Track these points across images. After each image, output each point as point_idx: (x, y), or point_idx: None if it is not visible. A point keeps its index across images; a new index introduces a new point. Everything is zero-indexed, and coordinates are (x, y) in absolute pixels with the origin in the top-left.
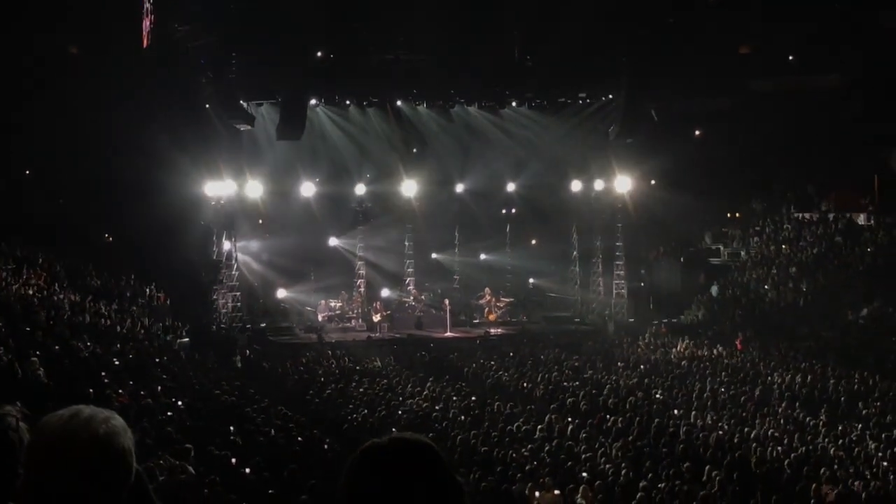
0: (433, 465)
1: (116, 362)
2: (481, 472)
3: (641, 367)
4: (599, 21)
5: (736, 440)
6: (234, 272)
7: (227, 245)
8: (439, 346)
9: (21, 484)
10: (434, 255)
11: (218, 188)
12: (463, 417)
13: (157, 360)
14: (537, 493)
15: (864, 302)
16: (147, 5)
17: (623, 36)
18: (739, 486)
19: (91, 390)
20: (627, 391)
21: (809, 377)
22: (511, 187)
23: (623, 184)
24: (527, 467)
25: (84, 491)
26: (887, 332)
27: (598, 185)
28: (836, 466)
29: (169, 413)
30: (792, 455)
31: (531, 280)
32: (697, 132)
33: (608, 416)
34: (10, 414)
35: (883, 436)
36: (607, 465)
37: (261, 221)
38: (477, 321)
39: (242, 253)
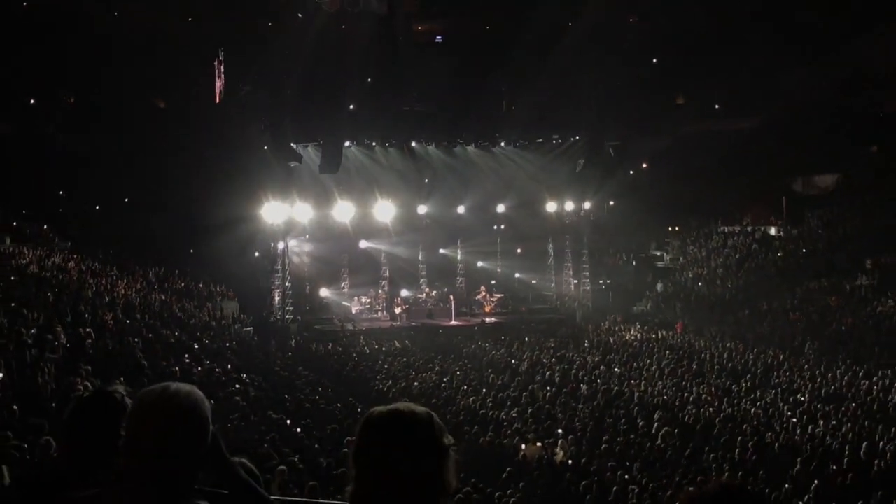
0: (419, 428)
1: (196, 346)
2: (480, 430)
3: (603, 347)
4: (568, 79)
5: (677, 403)
6: (287, 274)
7: (280, 249)
8: (446, 332)
9: (123, 442)
10: (441, 251)
11: (273, 210)
12: (465, 387)
13: (227, 344)
14: (524, 446)
15: (775, 294)
16: (219, 69)
17: (586, 91)
18: (680, 439)
19: (177, 368)
20: (593, 366)
21: (733, 353)
22: (500, 208)
23: (587, 205)
24: (515, 425)
25: (171, 447)
26: (791, 318)
27: (569, 205)
28: (755, 423)
29: (237, 385)
30: (721, 414)
31: (517, 275)
32: (644, 164)
33: (578, 386)
34: (117, 390)
35: (790, 399)
36: (577, 424)
37: (307, 236)
38: (476, 312)
39: (294, 255)
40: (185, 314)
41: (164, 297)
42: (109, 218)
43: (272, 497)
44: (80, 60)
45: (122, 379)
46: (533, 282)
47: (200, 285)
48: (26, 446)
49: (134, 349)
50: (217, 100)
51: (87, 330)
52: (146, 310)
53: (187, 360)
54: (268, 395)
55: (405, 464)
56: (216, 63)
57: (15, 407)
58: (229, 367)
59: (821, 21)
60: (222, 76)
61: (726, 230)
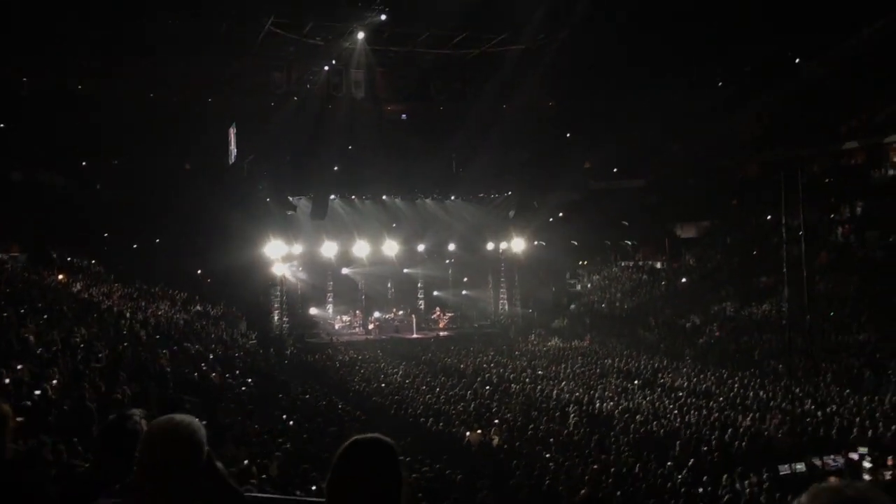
0: (389, 459)
1: (211, 356)
2: (434, 421)
3: (529, 355)
4: (502, 149)
5: (586, 399)
6: (284, 297)
7: (278, 277)
8: (409, 344)
9: (137, 461)
10: (405, 270)
11: (274, 247)
12: (423, 387)
13: (236, 354)
14: (468, 433)
15: (660, 313)
16: (232, 139)
17: (517, 158)
18: (588, 427)
19: (196, 374)
20: (521, 370)
21: (629, 359)
22: (451, 247)
23: (518, 244)
24: (462, 417)
25: (174, 466)
26: (673, 332)
27: (503, 245)
28: (646, 414)
29: (243, 388)
30: (619, 407)
31: (464, 292)
32: (561, 213)
33: (510, 385)
34: (135, 414)
35: (672, 395)
36: (509, 415)
37: (300, 267)
38: (432, 328)
39: (289, 282)
40: (203, 331)
41: (186, 318)
42: (144, 255)
43: (271, 476)
44: (123, 130)
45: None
46: (477, 304)
47: (216, 307)
48: (63, 447)
49: (161, 359)
50: (231, 162)
51: (125, 344)
52: (172, 327)
53: (204, 368)
54: (267, 395)
55: (377, 490)
56: (231, 133)
57: (65, 407)
58: (237, 372)
59: (693, 101)
60: (234, 143)
61: (623, 264)
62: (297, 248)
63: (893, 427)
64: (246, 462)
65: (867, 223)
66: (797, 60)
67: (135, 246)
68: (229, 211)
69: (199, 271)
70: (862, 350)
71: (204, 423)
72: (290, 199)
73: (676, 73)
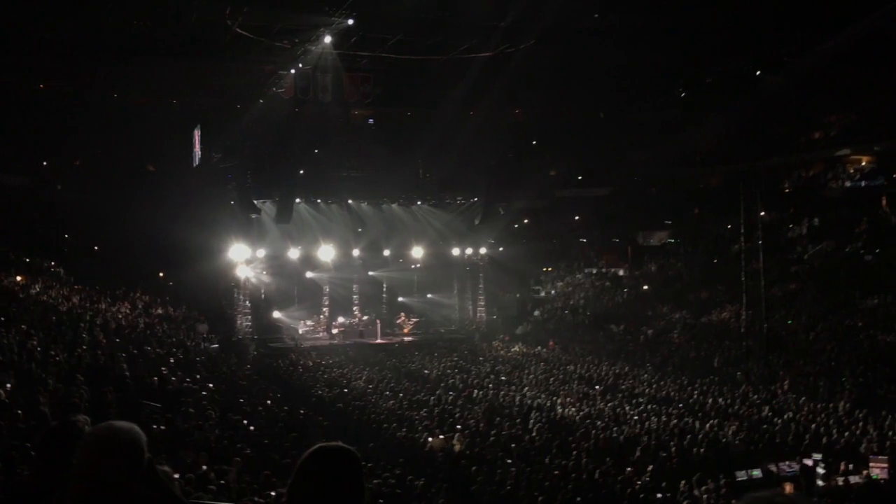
0: (353, 467)
1: (172, 361)
2: (397, 426)
3: (493, 360)
4: (468, 155)
5: (548, 404)
6: (248, 301)
7: (242, 280)
8: (373, 349)
9: (74, 467)
10: (370, 273)
11: (238, 250)
12: (387, 392)
13: (198, 359)
14: (430, 439)
15: (622, 320)
16: (196, 141)
17: (483, 164)
18: (550, 432)
19: (155, 378)
20: (485, 375)
21: (591, 365)
22: (417, 253)
23: (483, 250)
24: (424, 423)
25: (111, 473)
26: (634, 339)
27: (468, 251)
28: (606, 420)
29: (204, 392)
30: (580, 413)
31: (429, 295)
32: (526, 220)
33: (473, 391)
34: (79, 420)
35: (633, 401)
36: (472, 421)
37: (264, 271)
38: (397, 333)
39: (253, 286)
40: (165, 334)
41: (147, 321)
42: (105, 257)
43: (230, 482)
44: (86, 131)
45: (111, 387)
46: (442, 309)
47: (178, 311)
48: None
49: (121, 363)
50: (195, 164)
51: (84, 348)
52: (133, 331)
53: (164, 372)
54: (228, 400)
55: (339, 498)
56: (195, 135)
57: (19, 412)
58: (198, 377)
59: (657, 112)
60: (199, 146)
61: (587, 271)
62: (262, 252)
63: (846, 434)
64: (205, 468)
65: (824, 233)
66: (758, 73)
67: (96, 248)
68: (193, 214)
69: (161, 274)
70: (817, 358)
71: (163, 428)
72: (255, 202)
73: (640, 83)
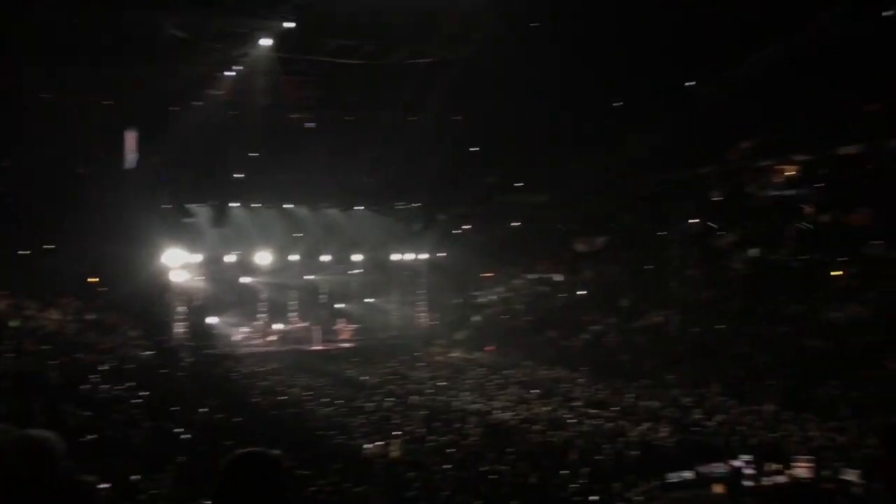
0: (270, 473)
1: (102, 367)
2: (334, 434)
3: (432, 366)
4: (409, 160)
5: (486, 409)
6: (181, 307)
7: (177, 286)
8: (311, 356)
9: None
10: (308, 277)
11: (173, 255)
12: (325, 399)
13: (129, 365)
14: (368, 445)
15: (558, 326)
16: (130, 143)
17: (423, 170)
18: (488, 437)
19: (86, 386)
20: (423, 381)
21: (528, 370)
22: (356, 258)
23: (423, 256)
24: (363, 429)
25: (24, 480)
26: (570, 344)
27: (409, 256)
28: (543, 423)
29: (136, 400)
30: (518, 417)
31: (368, 299)
32: (466, 226)
33: (412, 396)
34: None
35: (569, 405)
36: (410, 427)
37: (200, 276)
38: (335, 339)
39: (189, 291)
40: (96, 341)
41: (78, 327)
42: (35, 261)
43: (164, 492)
44: (13, 131)
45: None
46: (381, 315)
47: (109, 317)
48: None
49: (49, 371)
50: (128, 167)
51: (11, 355)
52: (62, 338)
53: (94, 379)
54: (161, 408)
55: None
56: (129, 137)
57: None
58: (131, 384)
59: (593, 120)
60: (133, 148)
61: (525, 277)
62: (197, 257)
63: (773, 435)
64: (135, 477)
65: (752, 241)
66: (692, 84)
67: (26, 252)
68: (125, 218)
69: (92, 279)
70: (745, 362)
71: (93, 436)
72: (191, 206)
73: (578, 92)
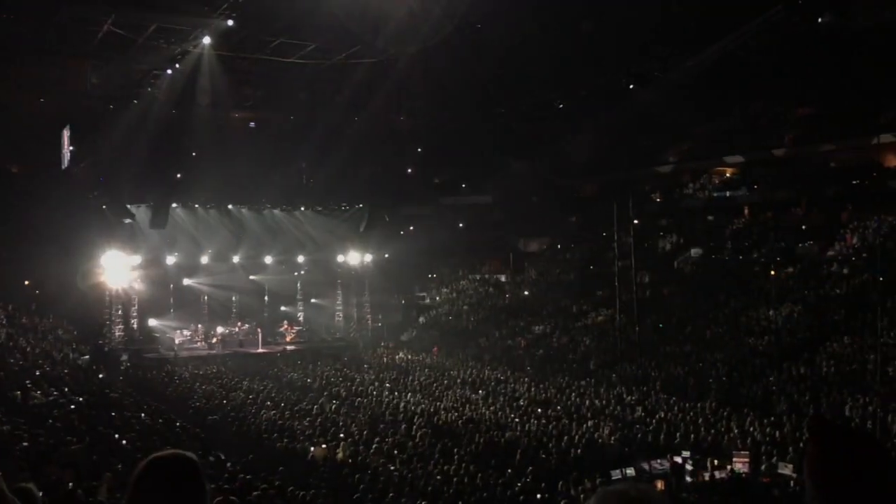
0: (188, 476)
1: (37, 373)
2: (278, 437)
3: (378, 367)
4: (353, 161)
5: (432, 409)
6: (120, 310)
7: (114, 288)
8: (254, 359)
9: None
10: (252, 277)
11: (110, 257)
12: (269, 402)
13: (65, 371)
14: (313, 448)
15: (504, 325)
16: (65, 142)
17: (367, 171)
18: (434, 437)
19: (18, 392)
20: (369, 383)
21: (474, 370)
22: (301, 259)
23: (368, 257)
24: (307, 432)
25: None
26: (515, 344)
27: (354, 258)
28: (488, 424)
29: (73, 406)
30: (463, 417)
31: (313, 300)
32: (411, 227)
33: (357, 399)
34: None
35: (514, 404)
36: (355, 429)
37: (138, 277)
38: (279, 342)
39: (126, 293)
40: (29, 346)
41: (10, 332)
42: None
43: (100, 499)
44: None
45: None
46: (326, 317)
47: (44, 321)
48: None
49: None
50: (64, 166)
51: None
52: None
53: (29, 385)
54: (98, 414)
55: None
56: (64, 135)
57: None
58: (66, 390)
59: (536, 122)
60: (68, 147)
61: (470, 277)
62: (136, 259)
63: (713, 431)
64: (71, 485)
65: (694, 240)
66: (630, 87)
67: None
68: (62, 218)
69: (26, 282)
70: (686, 360)
71: (26, 444)
72: (129, 206)
73: (520, 94)
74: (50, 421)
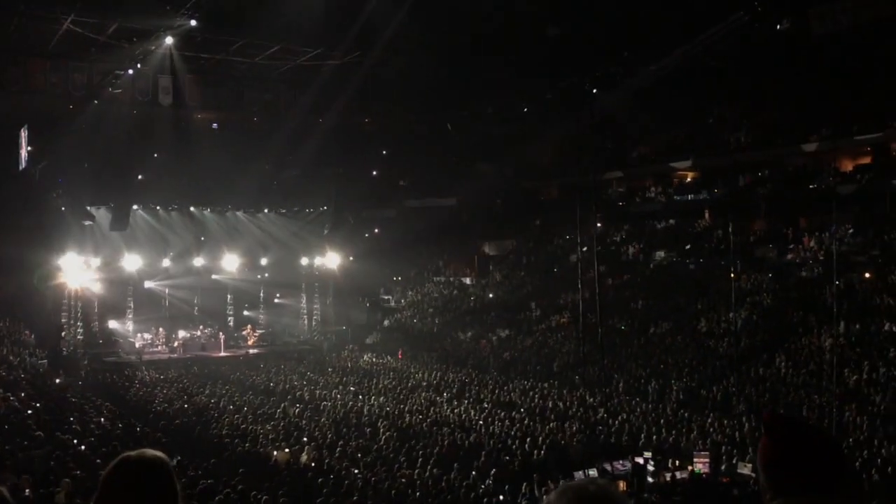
0: (164, 473)
1: None
2: (240, 441)
3: (342, 371)
4: (318, 163)
5: (396, 412)
6: (79, 313)
7: (73, 291)
8: (216, 363)
9: None
10: (213, 276)
11: (69, 259)
12: (231, 407)
13: (22, 375)
14: (276, 453)
15: (468, 328)
16: (23, 142)
17: (332, 173)
18: (398, 440)
19: None
20: (332, 386)
21: (438, 374)
22: (263, 262)
23: (333, 260)
24: (270, 436)
25: None
26: (480, 346)
27: (318, 261)
28: (453, 426)
29: (29, 411)
30: (428, 420)
31: (277, 300)
32: (376, 229)
33: (321, 403)
34: None
35: (479, 406)
36: (318, 433)
37: (98, 280)
38: (241, 345)
39: (86, 296)
40: None
41: None
42: None
43: None
44: None
45: None
46: (289, 320)
47: (1, 324)
48: None
49: None
50: (21, 167)
51: None
52: None
53: None
54: (57, 418)
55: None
56: (22, 135)
57: None
58: (23, 395)
59: (500, 126)
60: (26, 147)
61: (435, 280)
62: (95, 261)
63: (673, 432)
64: (28, 492)
65: (656, 243)
66: (594, 91)
67: None
68: (17, 219)
69: None
70: (648, 362)
71: None
72: (88, 208)
73: (484, 98)
74: (6, 427)
